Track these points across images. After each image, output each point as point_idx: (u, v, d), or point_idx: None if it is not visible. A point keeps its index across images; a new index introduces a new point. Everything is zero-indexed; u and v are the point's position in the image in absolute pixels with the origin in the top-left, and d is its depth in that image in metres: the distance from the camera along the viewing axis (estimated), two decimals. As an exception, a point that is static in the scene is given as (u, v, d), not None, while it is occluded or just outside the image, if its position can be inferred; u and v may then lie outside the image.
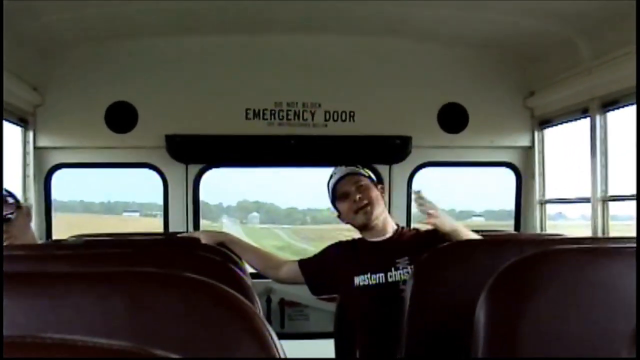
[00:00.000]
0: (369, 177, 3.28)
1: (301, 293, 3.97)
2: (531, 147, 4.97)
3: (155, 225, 5.30)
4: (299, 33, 4.70)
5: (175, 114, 4.76)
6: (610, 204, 4.09)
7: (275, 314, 4.67)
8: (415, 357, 2.24)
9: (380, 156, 4.88)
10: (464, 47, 4.79)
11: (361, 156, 4.57)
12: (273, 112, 4.82)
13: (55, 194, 4.84)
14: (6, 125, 4.23)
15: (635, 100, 3.59)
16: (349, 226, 3.32)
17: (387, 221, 3.20)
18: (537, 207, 4.93)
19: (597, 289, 1.48)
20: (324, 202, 3.40)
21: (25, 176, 4.54)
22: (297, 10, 4.25)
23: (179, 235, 3.78)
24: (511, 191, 5.07)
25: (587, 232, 4.21)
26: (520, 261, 1.57)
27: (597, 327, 1.45)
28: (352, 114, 4.85)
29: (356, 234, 3.33)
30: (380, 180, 4.63)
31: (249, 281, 2.05)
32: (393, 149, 4.86)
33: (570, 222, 5.31)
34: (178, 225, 4.79)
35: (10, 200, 3.03)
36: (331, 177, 3.28)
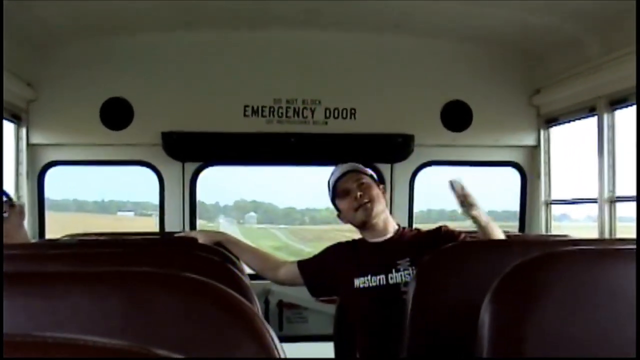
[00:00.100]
0: (371, 176, 3.28)
1: (300, 295, 3.98)
2: (537, 146, 4.98)
3: (150, 224, 5.30)
4: (298, 28, 4.70)
5: (172, 111, 4.76)
6: (618, 204, 4.09)
7: (273, 316, 4.68)
8: (417, 360, 2.25)
9: (381, 155, 4.89)
10: (469, 43, 4.79)
11: (362, 155, 4.57)
12: (272, 109, 4.82)
13: (47, 192, 4.84)
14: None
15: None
16: (348, 226, 3.32)
17: (388, 221, 3.20)
18: (543, 207, 4.93)
19: (604, 292, 1.49)
20: (324, 201, 3.40)
21: (18, 174, 4.54)
22: (297, 5, 4.26)
23: (175, 235, 3.79)
24: (516, 191, 5.07)
25: (593, 234, 4.22)
26: (526, 263, 1.57)
27: (605, 330, 1.45)
28: (353, 111, 4.85)
29: (355, 235, 3.33)
30: (381, 180, 4.64)
31: (247, 282, 2.06)
32: (395, 148, 4.87)
33: (575, 224, 5.32)
34: (174, 224, 4.79)
35: (3, 198, 3.03)
36: (332, 175, 3.28)
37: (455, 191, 3.01)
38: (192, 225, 4.87)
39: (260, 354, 1.11)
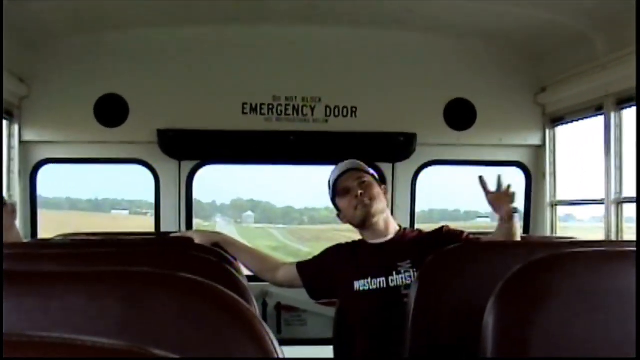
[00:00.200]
0: (372, 175, 3.29)
1: (299, 297, 3.98)
2: (542, 146, 4.98)
3: (145, 223, 5.31)
4: (298, 24, 4.70)
5: (168, 108, 4.76)
6: (625, 206, 4.10)
7: (271, 319, 4.67)
8: (419, 364, 2.25)
9: (383, 154, 4.89)
10: (473, 39, 4.79)
11: (363, 154, 4.55)
12: (271, 106, 4.83)
13: (40, 190, 4.85)
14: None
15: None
16: (347, 226, 3.32)
17: (388, 222, 3.20)
18: (548, 208, 4.94)
19: (611, 294, 1.49)
20: (323, 201, 3.41)
21: (9, 172, 4.54)
22: (297, 1, 4.26)
23: (171, 235, 3.79)
24: (520, 192, 5.07)
25: (599, 235, 4.22)
26: (531, 265, 1.58)
27: (611, 332, 1.46)
28: (354, 109, 4.85)
29: (354, 235, 3.33)
30: (383, 180, 4.64)
31: (245, 283, 2.06)
32: (397, 147, 4.87)
33: (580, 224, 5.32)
34: (170, 224, 4.79)
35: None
36: (332, 173, 3.28)
37: (501, 188, 2.97)
38: (189, 225, 4.88)
39: (259, 356, 1.11)
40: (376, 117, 4.85)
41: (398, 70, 4.87)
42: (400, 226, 3.27)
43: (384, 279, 3.01)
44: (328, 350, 3.53)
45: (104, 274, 1.26)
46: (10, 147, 4.57)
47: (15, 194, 4.56)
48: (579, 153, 5.09)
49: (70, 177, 5.38)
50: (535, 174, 5.03)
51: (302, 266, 3.27)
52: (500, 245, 2.67)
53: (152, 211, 4.95)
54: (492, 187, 3.01)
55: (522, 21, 4.33)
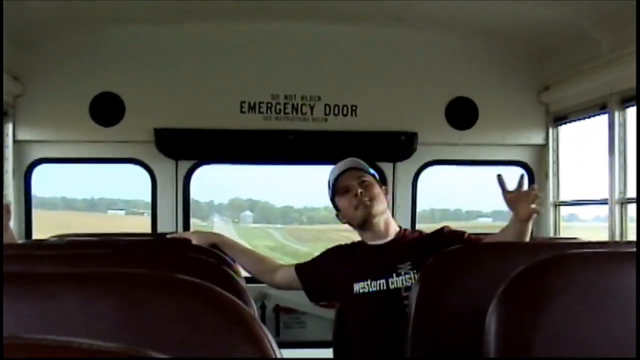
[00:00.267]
0: (373, 175, 3.28)
1: (298, 299, 3.98)
2: (545, 145, 4.98)
3: (142, 223, 5.31)
4: (297, 21, 4.70)
5: (165, 107, 4.76)
6: (629, 206, 4.10)
7: (270, 321, 4.68)
8: (420, 367, 2.25)
9: (383, 153, 4.89)
10: (475, 37, 4.79)
11: (363, 153, 4.54)
12: (270, 105, 4.82)
13: (35, 190, 4.84)
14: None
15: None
16: (347, 226, 3.32)
17: (389, 223, 3.20)
18: (551, 209, 4.94)
19: (615, 296, 1.49)
20: (322, 201, 3.41)
21: (3, 171, 4.53)
22: (297, -4, 4.27)
23: (168, 235, 3.79)
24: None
25: (603, 235, 4.23)
26: (534, 266, 1.58)
27: (616, 335, 1.46)
28: (354, 108, 4.85)
29: (354, 235, 3.33)
30: (383, 181, 4.64)
31: (244, 285, 2.06)
32: (397, 146, 4.87)
33: (584, 224, 5.33)
34: (167, 224, 4.79)
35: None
36: (332, 171, 3.28)
37: (522, 187, 2.92)
38: (186, 226, 4.87)
39: (257, 359, 1.11)
40: (376, 116, 4.85)
41: (399, 68, 4.87)
42: (400, 227, 3.27)
43: (383, 281, 3.01)
44: (327, 353, 3.53)
45: (99, 275, 1.26)
46: (3, 147, 4.56)
47: (9, 193, 4.56)
48: (583, 152, 5.09)
49: (66, 176, 5.38)
50: (538, 173, 5.03)
51: (300, 268, 3.27)
52: (502, 246, 2.67)
53: (149, 211, 4.95)
54: (510, 187, 2.97)
55: (525, 19, 4.33)
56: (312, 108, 4.84)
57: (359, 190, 3.13)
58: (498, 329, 1.48)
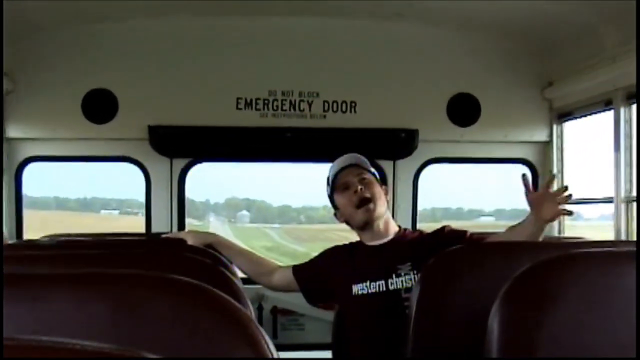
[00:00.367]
0: (373, 174, 3.28)
1: (296, 300, 3.98)
2: (549, 142, 4.98)
3: (136, 224, 5.31)
4: (295, 15, 4.70)
5: (159, 103, 4.76)
6: (635, 204, 4.10)
7: (267, 323, 4.68)
8: (421, 370, 2.25)
9: (383, 151, 4.89)
10: (477, 32, 4.79)
11: (363, 151, 4.55)
12: (266, 101, 4.82)
13: (26, 189, 4.84)
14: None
15: None
16: (345, 226, 3.32)
17: (388, 223, 3.21)
18: (555, 207, 4.93)
19: (620, 296, 1.50)
20: (321, 200, 3.40)
21: None
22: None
23: (163, 235, 3.79)
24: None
25: (609, 235, 4.23)
26: (537, 266, 1.58)
27: (621, 336, 1.46)
28: (353, 104, 4.85)
29: (353, 235, 3.33)
30: (384, 180, 4.64)
31: (240, 286, 2.07)
32: (398, 143, 4.87)
33: (588, 223, 5.33)
34: (161, 224, 4.79)
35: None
36: (332, 167, 3.27)
37: (549, 187, 2.89)
38: (181, 225, 4.87)
39: None
40: (376, 113, 4.85)
41: (399, 63, 4.87)
42: (400, 227, 3.27)
43: (383, 282, 3.02)
44: (326, 356, 3.54)
45: (93, 276, 1.26)
46: None
47: (-1, 193, 4.56)
48: (588, 150, 5.09)
49: (58, 175, 5.38)
50: (541, 171, 5.03)
51: (298, 269, 3.28)
52: (505, 246, 2.68)
53: (143, 211, 4.95)
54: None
55: (528, 13, 4.33)
56: (310, 104, 4.84)
57: (359, 187, 3.13)
58: (501, 330, 1.48)
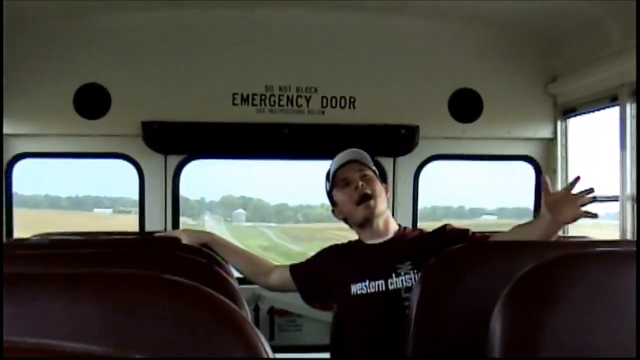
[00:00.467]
0: (374, 171, 3.28)
1: (293, 301, 3.99)
2: (553, 139, 4.98)
3: (129, 222, 5.31)
4: (293, 8, 4.70)
5: (153, 99, 4.75)
6: None
7: (264, 324, 4.68)
8: (421, 372, 2.26)
9: (383, 147, 4.88)
10: (479, 26, 4.79)
11: (362, 147, 4.55)
12: (263, 97, 4.82)
13: (16, 187, 4.83)
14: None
15: None
16: (344, 225, 3.32)
17: (388, 221, 3.21)
18: (559, 206, 4.93)
19: (623, 296, 1.50)
20: (319, 198, 3.40)
21: None
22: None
23: (156, 234, 3.79)
24: (529, 188, 5.07)
25: (615, 234, 4.23)
26: (540, 266, 1.58)
27: (626, 337, 1.46)
28: (352, 99, 4.85)
29: (352, 234, 3.33)
30: (384, 178, 4.64)
31: (236, 286, 2.07)
32: (398, 140, 4.87)
33: (594, 221, 5.32)
34: (155, 223, 4.79)
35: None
36: (332, 163, 3.27)
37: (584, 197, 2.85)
38: (175, 224, 4.87)
39: None
40: (376, 109, 4.85)
41: (399, 58, 4.87)
42: (399, 225, 3.27)
43: (382, 281, 3.02)
44: (324, 357, 3.54)
45: (84, 276, 1.26)
46: None
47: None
48: (593, 147, 5.09)
49: (49, 172, 5.37)
50: (545, 168, 5.03)
51: (295, 269, 3.28)
52: (508, 245, 2.68)
53: (136, 209, 4.95)
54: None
55: (532, 6, 4.33)
56: (308, 100, 4.84)
57: (360, 183, 3.13)
58: (504, 329, 1.49)
